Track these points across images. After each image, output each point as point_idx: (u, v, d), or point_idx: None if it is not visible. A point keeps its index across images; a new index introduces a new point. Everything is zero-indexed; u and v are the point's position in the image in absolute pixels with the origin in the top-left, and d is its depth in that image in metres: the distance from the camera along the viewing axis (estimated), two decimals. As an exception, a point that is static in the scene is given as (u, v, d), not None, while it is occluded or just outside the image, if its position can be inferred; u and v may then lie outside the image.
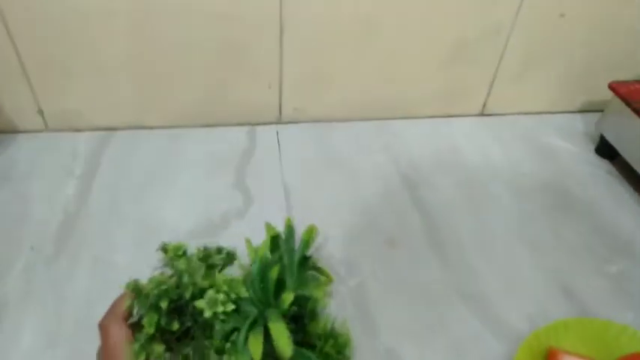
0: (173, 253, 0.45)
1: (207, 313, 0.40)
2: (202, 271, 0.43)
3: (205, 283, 0.42)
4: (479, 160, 0.83)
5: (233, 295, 0.42)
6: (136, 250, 0.63)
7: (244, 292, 0.43)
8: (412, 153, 0.83)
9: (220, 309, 0.41)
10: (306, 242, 0.53)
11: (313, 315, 0.47)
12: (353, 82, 0.84)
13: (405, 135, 0.86)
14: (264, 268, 0.46)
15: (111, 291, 0.58)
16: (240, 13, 0.72)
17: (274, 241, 0.51)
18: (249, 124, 0.85)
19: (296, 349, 0.42)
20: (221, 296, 0.41)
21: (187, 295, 0.42)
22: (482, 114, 0.92)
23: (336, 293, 0.60)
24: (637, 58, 0.88)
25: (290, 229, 0.53)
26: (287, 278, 0.48)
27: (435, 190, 0.76)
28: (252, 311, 0.43)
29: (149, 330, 0.41)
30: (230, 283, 0.42)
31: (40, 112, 0.78)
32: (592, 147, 0.87)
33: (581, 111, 0.95)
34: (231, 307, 0.41)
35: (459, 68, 0.85)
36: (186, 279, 0.42)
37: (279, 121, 0.86)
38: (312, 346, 0.45)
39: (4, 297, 0.58)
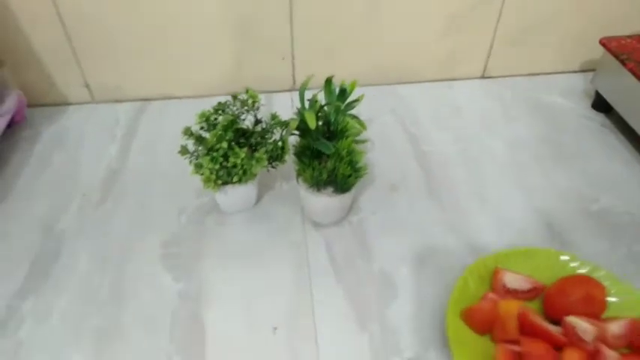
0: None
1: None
2: None
3: None
4: (478, 119, 0.89)
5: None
6: (169, 197, 0.74)
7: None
8: (416, 113, 0.90)
9: None
10: (349, 86, 0.65)
11: (342, 135, 0.63)
12: (360, 51, 0.92)
13: (410, 98, 0.94)
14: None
15: (148, 227, 0.70)
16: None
17: (328, 82, 0.65)
18: (266, 91, 0.94)
19: (322, 140, 0.62)
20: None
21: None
22: (483, 77, 0.98)
23: (339, 227, 0.69)
24: (630, 17, 0.92)
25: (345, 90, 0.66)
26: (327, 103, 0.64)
27: (435, 144, 0.84)
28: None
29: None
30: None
31: (87, 86, 0.90)
32: (589, 103, 0.91)
33: (582, 71, 0.99)
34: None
35: (457, 35, 0.91)
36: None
37: (292, 89, 0.95)
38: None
39: (62, 232, 0.70)
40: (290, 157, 0.68)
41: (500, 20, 0.90)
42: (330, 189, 0.65)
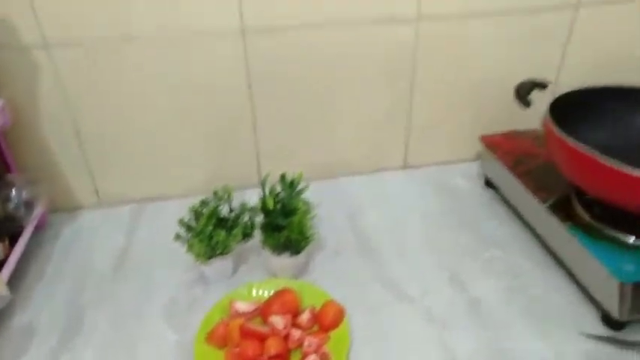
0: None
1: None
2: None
3: None
4: (401, 200, 1.18)
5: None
6: (166, 273, 0.97)
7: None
8: (353, 199, 1.18)
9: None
10: (296, 177, 0.92)
11: (294, 212, 0.88)
12: (307, 153, 1.21)
13: (349, 188, 1.22)
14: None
15: (152, 294, 0.92)
16: (221, 114, 1.12)
17: (283, 178, 0.91)
18: (240, 187, 1.21)
19: (279, 217, 0.87)
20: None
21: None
22: (405, 166, 1.29)
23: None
24: (503, 117, 1.25)
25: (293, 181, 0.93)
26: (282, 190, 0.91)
27: (369, 220, 1.11)
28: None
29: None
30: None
31: (96, 192, 1.16)
32: (482, 183, 1.22)
33: (477, 159, 1.31)
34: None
35: (379, 133, 1.22)
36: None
37: (258, 186, 1.22)
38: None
39: (83, 306, 0.91)
40: (257, 233, 0.93)
41: (411, 120, 1.22)
42: (287, 252, 0.90)
